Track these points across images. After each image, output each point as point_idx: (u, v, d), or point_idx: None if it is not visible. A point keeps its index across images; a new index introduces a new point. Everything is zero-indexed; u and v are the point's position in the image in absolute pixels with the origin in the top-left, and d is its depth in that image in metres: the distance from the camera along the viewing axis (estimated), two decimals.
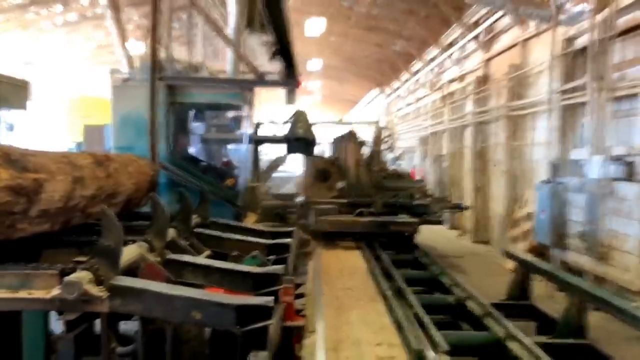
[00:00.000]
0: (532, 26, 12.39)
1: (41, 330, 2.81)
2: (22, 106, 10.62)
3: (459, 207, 13.46)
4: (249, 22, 10.20)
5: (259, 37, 10.90)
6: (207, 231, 4.74)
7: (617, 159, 8.48)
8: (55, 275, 2.66)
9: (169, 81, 7.70)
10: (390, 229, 10.10)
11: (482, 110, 15.41)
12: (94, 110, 18.33)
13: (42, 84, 19.92)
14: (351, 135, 12.44)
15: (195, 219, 4.74)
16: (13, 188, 2.69)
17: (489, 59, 15.52)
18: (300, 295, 5.55)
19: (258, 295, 3.12)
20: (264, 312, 2.68)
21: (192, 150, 9.59)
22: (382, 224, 10.18)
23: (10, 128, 11.35)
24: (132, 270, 3.10)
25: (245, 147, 8.16)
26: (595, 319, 6.34)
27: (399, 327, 5.14)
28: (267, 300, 2.73)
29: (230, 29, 9.91)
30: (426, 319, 5.53)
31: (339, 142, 12.69)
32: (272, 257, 4.27)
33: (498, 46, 14.91)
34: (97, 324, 3.10)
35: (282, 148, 9.37)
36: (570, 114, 10.45)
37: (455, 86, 18.34)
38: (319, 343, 4.33)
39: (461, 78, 17.97)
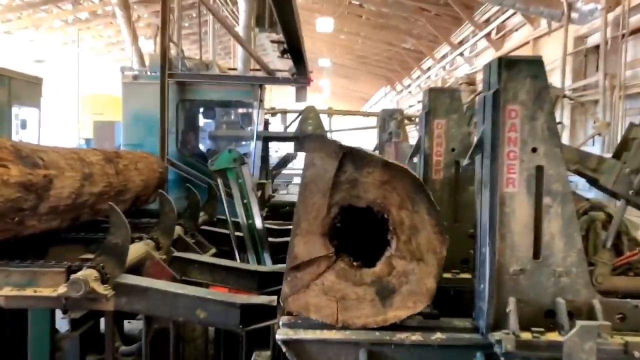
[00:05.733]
0: (543, 24, 12.32)
1: (47, 328, 2.83)
2: (36, 104, 10.70)
3: None
4: (259, 20, 10.21)
5: (269, 34, 10.92)
6: (214, 229, 4.76)
7: None
8: (61, 272, 2.68)
9: (179, 78, 7.71)
10: None
11: None
12: (104, 107, 18.43)
13: (53, 82, 20.04)
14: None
15: (202, 216, 4.76)
16: (23, 184, 2.70)
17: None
18: None
19: (262, 294, 3.13)
20: (268, 312, 2.69)
21: (201, 147, 9.61)
22: None
23: (23, 125, 11.42)
24: (137, 268, 3.12)
25: (254, 144, 8.16)
26: None
27: None
28: (271, 299, 2.74)
29: (240, 27, 9.93)
30: None
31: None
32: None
33: (509, 44, 14.85)
34: (102, 323, 3.12)
35: (291, 145, 9.35)
36: (581, 111, 10.39)
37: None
38: None
39: (472, 75, 17.90)
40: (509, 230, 2.26)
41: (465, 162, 2.84)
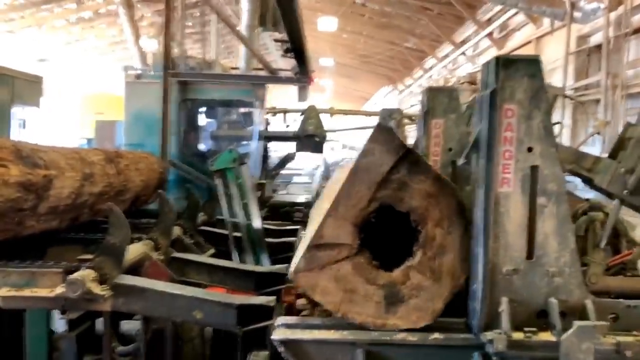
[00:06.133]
0: (546, 23, 12.31)
1: (44, 328, 2.84)
2: (36, 103, 10.73)
3: None
4: (262, 19, 10.22)
5: (272, 34, 10.91)
6: (213, 229, 4.77)
7: None
8: (59, 273, 2.69)
9: (181, 78, 7.72)
10: None
11: None
12: (106, 106, 18.44)
13: (55, 81, 20.09)
14: None
15: (201, 216, 4.77)
16: (23, 184, 2.69)
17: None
18: (302, 295, 5.58)
19: (260, 294, 3.13)
20: (265, 312, 2.69)
21: (202, 146, 9.63)
22: None
23: (23, 124, 11.44)
24: (136, 269, 3.13)
25: (255, 144, 8.17)
26: None
27: None
28: (269, 300, 2.74)
29: (243, 26, 9.93)
30: None
31: None
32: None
33: (512, 43, 14.85)
34: (99, 323, 3.13)
35: (292, 145, 9.35)
36: (582, 111, 10.38)
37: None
38: None
39: (474, 75, 17.90)
40: (503, 230, 2.25)
41: (460, 161, 2.84)
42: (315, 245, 2.34)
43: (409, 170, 2.33)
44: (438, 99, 3.48)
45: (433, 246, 2.34)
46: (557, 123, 3.82)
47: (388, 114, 8.38)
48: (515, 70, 2.25)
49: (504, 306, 2.20)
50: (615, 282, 2.67)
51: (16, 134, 10.42)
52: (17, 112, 10.56)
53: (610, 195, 2.76)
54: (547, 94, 2.71)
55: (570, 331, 2.05)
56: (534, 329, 2.20)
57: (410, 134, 9.63)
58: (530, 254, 2.26)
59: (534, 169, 2.24)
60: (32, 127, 11.39)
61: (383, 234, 2.44)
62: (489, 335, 2.15)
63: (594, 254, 2.69)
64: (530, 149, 2.24)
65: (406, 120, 10.22)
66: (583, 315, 2.22)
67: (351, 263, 2.34)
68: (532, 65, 2.27)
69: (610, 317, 2.27)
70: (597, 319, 2.18)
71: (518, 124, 2.24)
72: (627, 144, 2.68)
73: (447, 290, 2.33)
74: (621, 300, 2.34)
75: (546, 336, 2.19)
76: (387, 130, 2.38)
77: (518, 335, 2.17)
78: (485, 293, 2.25)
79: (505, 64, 2.26)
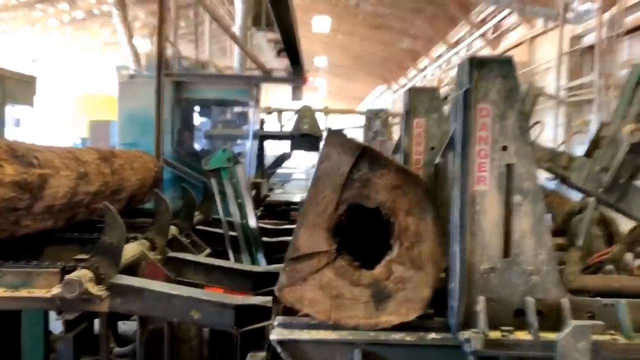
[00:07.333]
0: (539, 24, 12.36)
1: (41, 329, 2.82)
2: (29, 102, 10.69)
3: None
4: (255, 19, 10.22)
5: (265, 34, 10.92)
6: (209, 228, 4.76)
7: None
8: (56, 273, 2.66)
9: (175, 78, 7.71)
10: None
11: None
12: (99, 107, 18.39)
13: (49, 81, 20.01)
14: None
15: (197, 216, 4.75)
16: (18, 183, 2.67)
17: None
18: None
19: (257, 294, 3.12)
20: (263, 312, 2.68)
21: (197, 146, 9.63)
22: None
23: (17, 123, 11.41)
24: (132, 269, 3.11)
25: (249, 143, 8.17)
26: None
27: None
28: (266, 300, 2.73)
29: (236, 26, 9.93)
30: None
31: None
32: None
33: (505, 44, 14.91)
34: (97, 324, 3.11)
35: (287, 144, 9.36)
36: (576, 111, 10.43)
37: None
38: None
39: None
40: (479, 229, 2.25)
41: (437, 159, 2.85)
42: (293, 259, 2.32)
43: (369, 167, 2.33)
44: (419, 99, 3.48)
45: (408, 236, 2.32)
46: (537, 122, 3.85)
47: (374, 114, 8.38)
48: (489, 70, 2.27)
49: (480, 305, 2.21)
50: (593, 281, 2.67)
51: (10, 133, 10.39)
52: (12, 112, 10.53)
53: (586, 193, 2.78)
54: (522, 94, 2.77)
55: (566, 330, 2.06)
56: (510, 327, 2.21)
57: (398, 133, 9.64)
58: (507, 253, 2.27)
59: (509, 167, 2.25)
60: (26, 126, 11.36)
61: (360, 233, 2.42)
62: (466, 334, 2.16)
63: (571, 252, 2.69)
64: (505, 148, 2.25)
65: (398, 119, 10.25)
66: (560, 314, 2.23)
67: (332, 269, 2.32)
68: (505, 65, 2.29)
69: (587, 315, 2.28)
70: (573, 318, 2.19)
71: (492, 124, 2.26)
72: (601, 143, 2.70)
73: (432, 276, 2.32)
74: (598, 299, 2.34)
75: (523, 335, 2.20)
76: (340, 133, 2.39)
77: (495, 334, 2.18)
78: (462, 292, 2.25)
79: (478, 65, 2.28)
